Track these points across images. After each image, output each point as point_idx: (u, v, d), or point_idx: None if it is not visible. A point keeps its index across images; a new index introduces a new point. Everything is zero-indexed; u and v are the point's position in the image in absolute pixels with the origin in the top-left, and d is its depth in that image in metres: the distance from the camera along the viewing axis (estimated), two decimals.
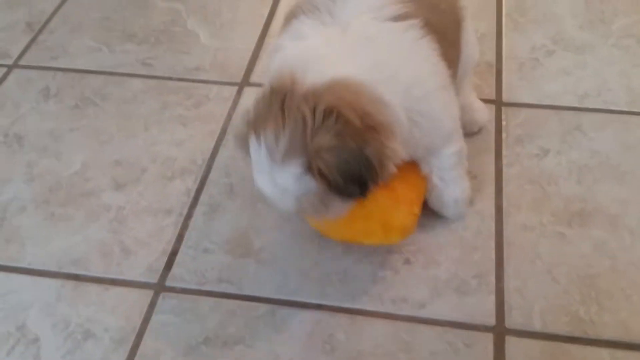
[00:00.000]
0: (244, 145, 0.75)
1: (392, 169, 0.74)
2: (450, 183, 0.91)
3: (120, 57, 1.24)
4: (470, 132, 1.01)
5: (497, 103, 1.10)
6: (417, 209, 0.88)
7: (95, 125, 1.11)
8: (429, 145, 0.84)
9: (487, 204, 0.96)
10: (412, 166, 0.88)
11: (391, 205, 0.85)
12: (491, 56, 1.19)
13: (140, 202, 1.00)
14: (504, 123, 1.07)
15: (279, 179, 0.72)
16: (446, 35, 0.83)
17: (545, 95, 1.11)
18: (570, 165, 1.00)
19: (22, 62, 1.25)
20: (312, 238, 0.93)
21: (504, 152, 1.03)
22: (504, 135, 1.05)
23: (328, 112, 0.69)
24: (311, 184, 0.71)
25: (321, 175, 0.70)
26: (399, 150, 0.74)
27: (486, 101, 1.10)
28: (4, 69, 1.23)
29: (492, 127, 1.06)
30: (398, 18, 0.78)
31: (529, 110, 1.09)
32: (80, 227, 0.97)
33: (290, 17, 0.84)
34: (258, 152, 0.72)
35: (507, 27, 1.24)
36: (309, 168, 0.70)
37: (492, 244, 0.91)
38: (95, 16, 1.33)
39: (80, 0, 1.38)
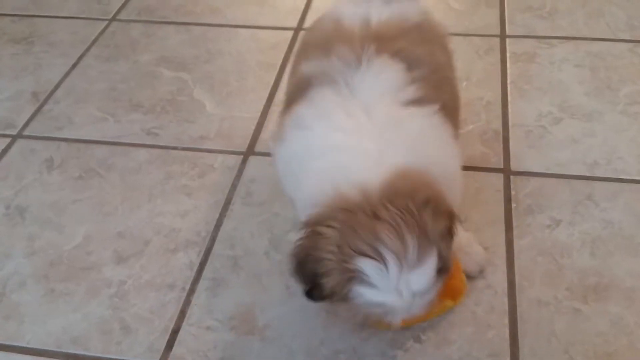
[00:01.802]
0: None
1: None
2: (468, 249, 0.93)
3: (125, 126, 1.24)
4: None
5: (506, 172, 1.09)
6: (459, 263, 0.90)
7: (99, 197, 1.10)
8: None
9: (499, 277, 0.93)
10: None
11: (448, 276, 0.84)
12: (498, 124, 1.18)
13: (142, 276, 0.97)
14: (513, 192, 1.05)
15: (415, 284, 0.69)
16: (454, 116, 0.85)
17: (554, 164, 1.10)
18: (583, 237, 0.98)
19: (26, 132, 1.24)
20: (318, 313, 0.91)
21: (514, 222, 1.00)
22: (513, 205, 1.03)
23: (425, 203, 0.69)
24: (441, 276, 0.71)
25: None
26: None
27: (494, 170, 1.09)
28: (8, 139, 1.23)
29: (501, 197, 1.05)
30: (418, 102, 0.78)
31: (538, 179, 1.07)
32: (80, 303, 0.94)
33: (305, 83, 0.83)
34: (382, 273, 0.67)
35: (513, 95, 1.24)
36: (439, 257, 0.70)
37: (506, 320, 0.88)
38: (101, 86, 1.34)
39: (87, 71, 1.39)
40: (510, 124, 1.18)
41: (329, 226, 0.69)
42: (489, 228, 1.00)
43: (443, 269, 0.71)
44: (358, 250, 0.68)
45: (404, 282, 0.68)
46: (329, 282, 0.70)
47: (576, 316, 0.88)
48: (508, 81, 1.27)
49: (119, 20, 1.54)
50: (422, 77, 0.81)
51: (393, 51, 0.82)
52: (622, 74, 1.27)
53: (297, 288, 0.92)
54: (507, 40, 1.38)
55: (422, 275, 0.69)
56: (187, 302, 0.93)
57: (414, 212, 0.68)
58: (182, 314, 0.92)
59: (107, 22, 1.53)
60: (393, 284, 0.68)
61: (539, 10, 1.46)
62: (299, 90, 0.84)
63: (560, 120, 1.18)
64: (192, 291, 0.95)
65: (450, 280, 0.83)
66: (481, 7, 1.49)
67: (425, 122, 0.78)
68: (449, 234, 0.73)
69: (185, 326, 0.90)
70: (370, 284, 0.68)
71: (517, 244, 0.97)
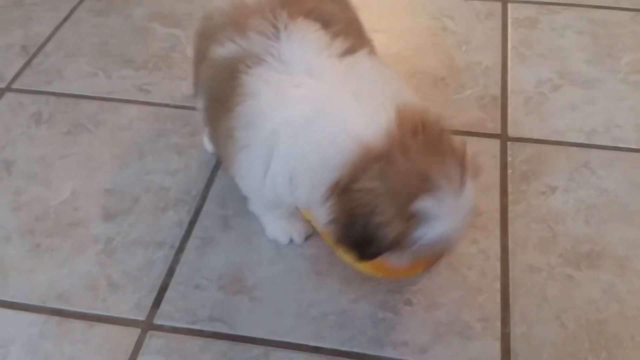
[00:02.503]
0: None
1: None
2: None
3: (116, 82, 1.21)
4: None
5: (503, 138, 1.07)
6: None
7: (88, 153, 1.08)
8: None
9: (492, 242, 0.92)
10: None
11: None
12: (496, 90, 1.16)
13: (130, 234, 0.96)
14: (509, 159, 1.04)
15: (467, 204, 0.71)
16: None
17: (552, 131, 1.08)
18: (578, 204, 0.96)
19: (15, 86, 1.21)
20: (308, 275, 0.90)
21: (510, 188, 0.99)
22: (509, 171, 1.02)
23: (440, 127, 0.72)
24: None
25: None
26: None
27: (491, 135, 1.07)
28: None
29: (497, 163, 1.03)
30: (350, 50, 0.78)
31: (535, 146, 1.05)
32: (66, 259, 0.93)
33: (230, 71, 0.79)
34: (441, 202, 0.68)
35: (513, 61, 1.22)
36: None
37: (498, 285, 0.87)
38: (92, 41, 1.31)
39: (78, 24, 1.36)
40: (509, 89, 1.16)
41: (370, 179, 0.69)
42: (484, 193, 0.98)
43: None
44: (413, 191, 0.68)
45: (460, 204, 0.69)
46: (391, 233, 0.69)
47: (568, 283, 0.87)
48: (509, 47, 1.25)
49: None
50: (341, 30, 0.81)
51: (305, 13, 0.81)
52: (623, 42, 1.25)
53: (288, 248, 0.92)
54: (509, 5, 1.35)
55: (471, 193, 0.70)
56: (175, 261, 0.92)
57: (437, 139, 0.70)
58: (171, 272, 0.91)
59: None
60: (452, 209, 0.69)
61: None
62: (227, 81, 0.80)
63: (559, 87, 1.16)
64: (181, 249, 0.93)
65: None
66: None
67: (369, 63, 0.79)
68: None
69: (173, 284, 0.89)
70: (432, 219, 0.68)
71: (512, 210, 0.96)
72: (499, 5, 1.35)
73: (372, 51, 0.86)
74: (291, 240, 0.93)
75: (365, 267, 0.83)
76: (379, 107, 0.72)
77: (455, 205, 0.69)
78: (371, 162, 0.69)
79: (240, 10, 0.84)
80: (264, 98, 0.76)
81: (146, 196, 1.01)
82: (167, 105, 1.16)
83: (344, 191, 0.70)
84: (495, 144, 1.06)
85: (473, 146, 1.04)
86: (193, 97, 0.98)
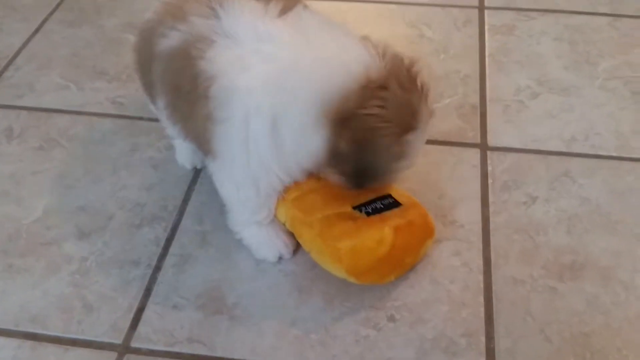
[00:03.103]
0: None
1: None
2: None
3: (89, 95, 1.18)
4: None
5: (482, 147, 1.06)
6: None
7: (60, 169, 1.05)
8: None
9: (474, 255, 0.91)
10: None
11: (427, 214, 0.90)
12: (475, 98, 1.15)
13: (105, 253, 0.93)
14: (489, 168, 1.03)
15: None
16: None
17: (531, 139, 1.07)
18: (560, 214, 0.96)
19: None
20: (290, 292, 0.88)
21: (491, 199, 0.98)
22: (489, 181, 1.01)
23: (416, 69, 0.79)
24: None
25: None
26: None
27: (470, 145, 1.07)
28: None
29: (477, 173, 1.02)
30: (287, 8, 0.81)
31: (515, 155, 1.05)
32: (39, 280, 0.90)
33: (184, 59, 0.80)
34: (419, 136, 0.79)
35: (491, 68, 1.21)
36: None
37: (481, 299, 0.86)
38: (64, 52, 1.28)
39: (50, 36, 1.32)
40: (487, 98, 1.15)
41: (377, 106, 0.74)
42: (465, 204, 0.97)
43: None
44: (408, 122, 0.77)
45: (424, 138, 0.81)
46: (386, 160, 0.79)
47: (552, 295, 0.86)
48: (486, 54, 1.24)
49: None
50: None
51: None
52: (601, 48, 1.25)
53: (268, 265, 0.90)
54: (486, 12, 1.35)
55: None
56: (152, 280, 0.90)
57: (415, 75, 0.78)
58: (148, 292, 0.88)
59: None
60: (421, 143, 0.80)
61: None
62: (185, 70, 0.80)
63: (538, 95, 1.15)
64: (158, 268, 0.91)
65: (430, 220, 0.89)
66: None
67: (310, 15, 0.82)
68: None
69: (150, 304, 0.87)
70: (410, 150, 0.79)
71: (493, 221, 0.95)
72: (476, 12, 1.35)
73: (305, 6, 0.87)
74: (280, 258, 0.92)
75: (339, 270, 0.83)
76: (356, 44, 0.76)
77: (423, 141, 0.81)
78: (375, 90, 0.74)
79: (173, 3, 0.86)
80: (229, 75, 0.77)
81: (121, 213, 0.98)
82: (141, 118, 1.13)
83: (348, 118, 0.74)
84: (475, 153, 1.05)
85: (453, 156, 1.04)
86: (149, 103, 0.97)
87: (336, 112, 0.74)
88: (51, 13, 1.39)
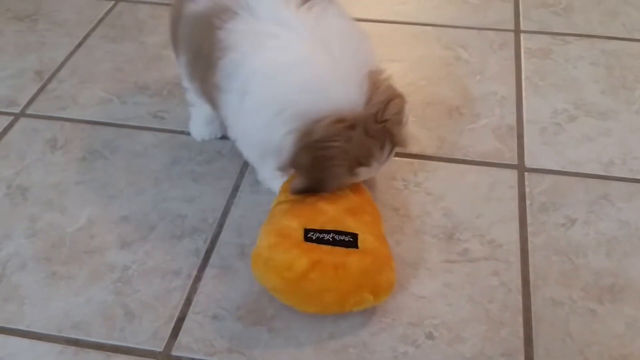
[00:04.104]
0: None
1: None
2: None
3: (131, 109, 1.21)
4: None
5: (520, 168, 1.07)
6: (393, 261, 0.87)
7: (103, 179, 1.07)
8: None
9: (513, 275, 0.91)
10: (372, 217, 0.89)
11: (374, 269, 0.83)
12: (512, 120, 1.16)
13: (147, 262, 0.95)
14: (527, 189, 1.03)
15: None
16: None
17: (569, 162, 1.08)
18: (599, 237, 0.96)
19: (29, 111, 1.21)
20: None
21: (529, 220, 0.98)
22: (527, 202, 1.01)
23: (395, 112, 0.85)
24: None
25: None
26: None
27: (508, 166, 1.07)
28: (10, 117, 1.20)
29: (514, 194, 1.03)
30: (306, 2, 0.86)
31: (553, 177, 1.05)
32: (82, 287, 0.92)
33: (207, 25, 0.87)
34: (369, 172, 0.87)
35: (527, 91, 1.22)
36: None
37: (520, 319, 0.86)
38: (106, 67, 1.31)
39: (92, 51, 1.36)
40: (524, 119, 1.16)
41: (339, 140, 0.81)
42: (503, 224, 0.98)
43: None
44: (361, 159, 0.84)
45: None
46: (334, 182, 0.86)
47: (591, 317, 0.86)
48: (522, 76, 1.25)
49: (126, 0, 1.51)
50: None
51: None
52: (637, 73, 1.25)
53: None
54: (522, 35, 1.36)
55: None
56: (193, 290, 0.91)
57: (389, 125, 0.84)
58: (188, 302, 0.89)
59: (113, 2, 1.50)
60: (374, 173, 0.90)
61: (554, 7, 1.44)
62: (205, 37, 0.88)
63: (575, 118, 1.16)
64: (198, 278, 0.92)
65: (375, 275, 0.83)
66: (495, 1, 1.46)
67: (334, 12, 0.87)
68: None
69: (190, 314, 0.88)
70: (357, 178, 0.88)
71: (532, 242, 0.95)
72: (511, 35, 1.36)
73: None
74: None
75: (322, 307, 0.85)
76: (353, 73, 0.82)
77: (374, 173, 0.89)
78: (344, 128, 0.81)
79: None
80: (242, 49, 0.84)
81: (162, 224, 1.00)
82: (182, 132, 1.16)
83: (313, 142, 0.81)
84: (513, 174, 1.06)
85: (490, 176, 1.05)
86: (175, 57, 1.05)
87: (305, 132, 0.81)
88: (93, 29, 1.42)
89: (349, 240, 0.83)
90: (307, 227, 0.84)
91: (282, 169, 0.89)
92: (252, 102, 0.85)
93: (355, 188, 0.91)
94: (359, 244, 0.83)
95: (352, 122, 0.81)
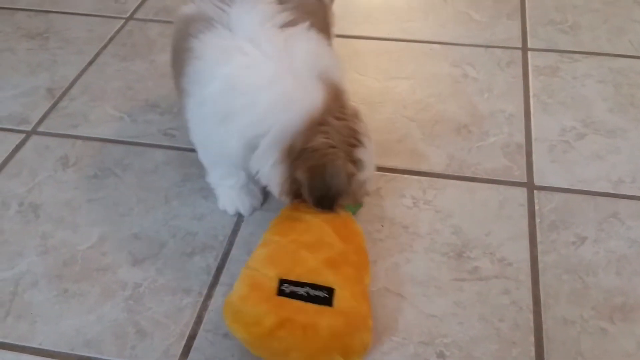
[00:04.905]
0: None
1: None
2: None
3: (142, 126, 1.22)
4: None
5: (529, 186, 1.07)
6: (370, 320, 0.83)
7: (114, 197, 1.08)
8: None
9: (524, 294, 0.91)
10: (352, 269, 0.86)
11: (345, 332, 0.80)
12: (520, 138, 1.16)
13: (158, 280, 0.95)
14: (536, 207, 1.03)
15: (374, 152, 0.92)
16: (326, 32, 1.00)
17: (578, 180, 1.08)
18: (609, 255, 0.96)
19: (41, 129, 1.22)
20: None
21: (539, 238, 0.99)
22: (537, 220, 1.01)
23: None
24: None
25: None
26: None
27: (517, 184, 1.07)
28: (22, 135, 1.21)
29: (524, 212, 1.03)
30: (291, 23, 0.90)
31: (562, 195, 1.05)
32: (94, 305, 0.92)
33: (185, 32, 0.92)
34: (366, 152, 0.89)
35: (535, 109, 1.23)
36: None
37: (532, 338, 0.86)
38: (117, 85, 1.32)
39: (103, 68, 1.37)
40: (533, 137, 1.16)
41: (320, 139, 0.85)
42: (513, 242, 0.98)
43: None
44: (351, 143, 0.87)
45: (373, 154, 0.90)
46: (345, 174, 0.87)
47: (602, 336, 0.86)
48: (530, 94, 1.26)
49: (136, 19, 1.52)
50: (292, 7, 0.92)
51: None
52: None
53: None
54: (529, 53, 1.37)
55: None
56: (203, 307, 0.91)
57: (352, 111, 0.90)
58: (199, 320, 0.90)
59: (123, 20, 1.52)
60: (372, 157, 0.90)
61: (561, 25, 1.45)
62: (181, 42, 0.92)
63: (583, 136, 1.16)
64: (209, 296, 0.93)
65: (346, 337, 0.80)
66: (502, 19, 1.47)
67: (307, 37, 0.90)
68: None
69: (202, 332, 0.88)
70: (364, 165, 0.89)
71: (542, 260, 0.95)
72: (519, 53, 1.37)
73: (322, 27, 0.97)
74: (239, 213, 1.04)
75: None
76: (312, 83, 0.86)
77: (372, 154, 0.90)
78: (317, 126, 0.85)
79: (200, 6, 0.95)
80: (209, 60, 0.88)
81: (173, 241, 1.01)
82: (192, 150, 1.16)
83: (300, 152, 0.85)
84: (522, 192, 1.06)
85: (500, 194, 1.05)
86: None
87: (288, 148, 0.85)
88: (104, 47, 1.44)
89: (324, 297, 0.80)
90: (283, 278, 0.82)
91: (284, 198, 0.92)
92: (211, 111, 0.89)
93: (345, 233, 0.88)
94: (335, 301, 0.80)
95: (320, 119, 0.85)
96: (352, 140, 0.87)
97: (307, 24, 0.91)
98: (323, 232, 0.88)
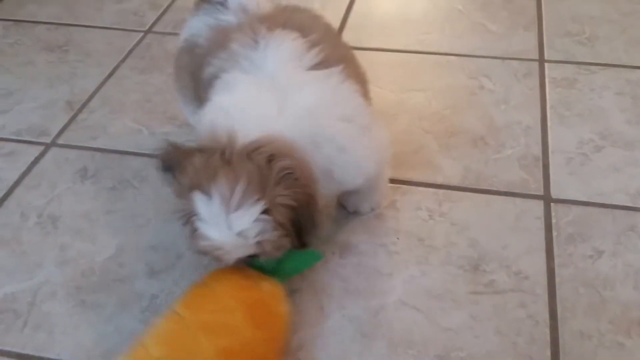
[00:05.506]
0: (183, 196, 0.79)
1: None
2: (368, 195, 1.03)
3: (160, 139, 1.23)
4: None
5: (546, 199, 1.07)
6: None
7: (132, 209, 1.09)
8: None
9: (540, 307, 0.90)
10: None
11: None
12: (537, 150, 1.16)
13: (174, 291, 0.96)
14: (553, 220, 1.03)
15: (236, 224, 0.76)
16: (359, 77, 0.94)
17: (595, 193, 1.07)
18: (627, 269, 0.95)
19: (60, 141, 1.24)
20: (353, 336, 0.89)
21: (556, 251, 0.98)
22: (554, 233, 1.01)
23: (284, 169, 0.77)
24: (267, 225, 0.77)
25: (279, 224, 0.78)
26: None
27: (534, 197, 1.07)
28: (42, 147, 1.23)
29: (541, 224, 1.02)
30: (322, 64, 0.85)
31: (580, 208, 1.05)
32: (111, 316, 0.93)
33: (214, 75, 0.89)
34: (209, 204, 0.76)
35: (552, 121, 1.22)
36: (267, 212, 0.76)
37: (548, 352, 0.85)
38: (136, 97, 1.34)
39: (122, 81, 1.39)
40: (550, 150, 1.16)
41: (192, 161, 0.78)
42: (530, 255, 0.97)
43: (276, 227, 0.78)
44: (195, 184, 0.77)
45: (226, 219, 0.76)
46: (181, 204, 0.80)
47: (619, 351, 0.85)
48: (547, 106, 1.25)
49: (155, 32, 1.54)
50: (318, 40, 0.88)
51: (282, 23, 0.89)
52: None
53: (332, 309, 0.91)
54: (546, 65, 1.36)
55: (242, 218, 0.76)
56: None
57: (262, 168, 0.76)
58: None
59: (142, 34, 1.54)
60: (216, 218, 0.76)
61: (578, 36, 1.44)
62: (200, 59, 0.93)
63: (601, 149, 1.15)
64: None
65: None
66: (519, 30, 1.47)
67: (327, 85, 0.85)
68: (300, 204, 0.79)
69: None
70: (200, 216, 0.77)
71: (559, 274, 0.95)
72: (536, 65, 1.37)
73: (349, 67, 0.90)
74: None
75: None
76: (260, 124, 0.80)
77: (220, 217, 0.77)
78: (200, 152, 0.80)
79: (222, 34, 0.93)
80: (224, 82, 0.86)
81: (189, 253, 1.01)
82: None
83: (189, 155, 0.80)
84: (539, 205, 1.06)
85: (516, 206, 1.04)
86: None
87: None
88: (123, 60, 1.46)
89: None
90: None
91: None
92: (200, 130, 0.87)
93: (262, 316, 0.82)
94: None
95: (218, 147, 0.79)
96: (201, 182, 0.78)
97: (339, 67, 0.86)
98: (234, 314, 0.80)
